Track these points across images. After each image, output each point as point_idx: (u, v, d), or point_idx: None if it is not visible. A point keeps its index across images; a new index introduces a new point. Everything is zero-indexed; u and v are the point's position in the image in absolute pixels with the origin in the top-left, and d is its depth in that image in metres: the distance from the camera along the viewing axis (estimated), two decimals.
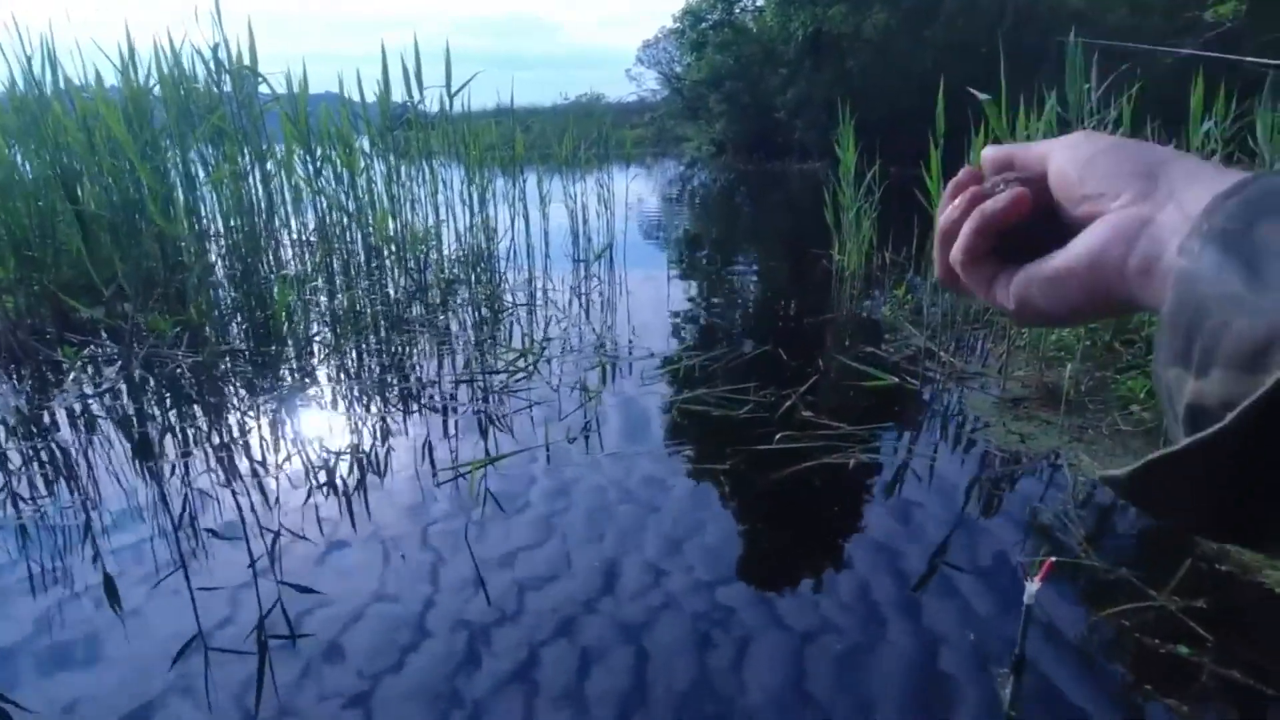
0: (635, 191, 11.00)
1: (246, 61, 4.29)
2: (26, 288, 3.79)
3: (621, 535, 2.10)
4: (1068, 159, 0.30)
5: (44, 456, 2.69)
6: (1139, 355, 3.07)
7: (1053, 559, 1.39)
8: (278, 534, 2.14)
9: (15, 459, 2.65)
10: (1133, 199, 0.27)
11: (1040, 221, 0.31)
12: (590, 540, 2.08)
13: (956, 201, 0.33)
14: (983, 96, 2.87)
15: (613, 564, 1.97)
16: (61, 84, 4.34)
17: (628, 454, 2.59)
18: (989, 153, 0.35)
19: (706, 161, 20.02)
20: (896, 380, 3.20)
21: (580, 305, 4.69)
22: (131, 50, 4.38)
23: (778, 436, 2.63)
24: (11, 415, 2.98)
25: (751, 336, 3.91)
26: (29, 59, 4.26)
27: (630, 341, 3.88)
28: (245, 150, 4.27)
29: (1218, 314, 0.21)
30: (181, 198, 3.98)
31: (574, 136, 5.81)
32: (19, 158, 4.19)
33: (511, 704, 1.52)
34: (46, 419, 2.97)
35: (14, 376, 3.37)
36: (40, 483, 2.51)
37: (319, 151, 4.49)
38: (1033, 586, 1.38)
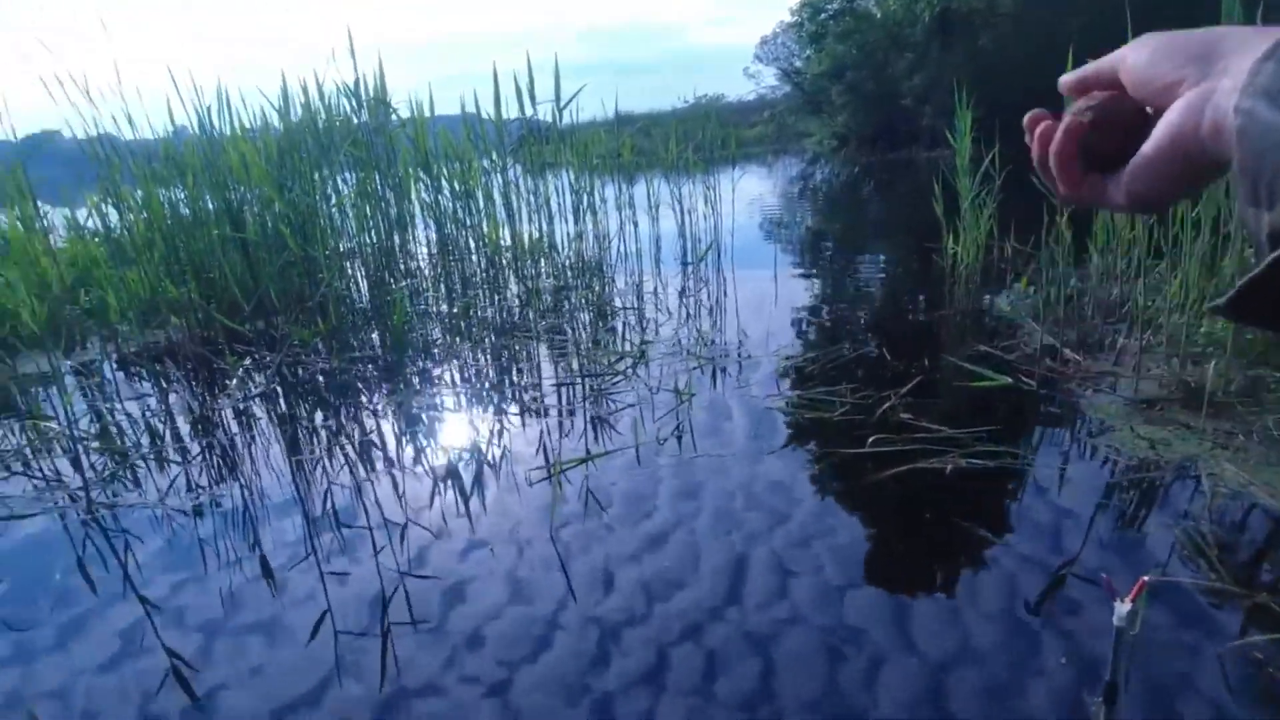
0: (752, 191, 10.89)
1: (377, 93, 4.73)
2: (204, 305, 4.39)
3: (707, 533, 2.13)
4: (1135, 62, 0.34)
5: (213, 450, 3.12)
6: None
7: (1145, 577, 1.25)
8: (404, 526, 2.34)
9: (193, 450, 3.10)
10: (1196, 79, 0.31)
11: (1132, 125, 0.35)
12: (673, 537, 2.13)
13: (1038, 135, 0.38)
14: None
15: (698, 559, 2.00)
16: (237, 128, 4.99)
17: (716, 455, 2.61)
18: (1066, 79, 0.39)
19: (828, 156, 19.41)
20: (1010, 380, 2.99)
21: (686, 308, 4.74)
22: (286, 93, 4.96)
23: (871, 440, 2.54)
24: (188, 415, 3.48)
25: (855, 336, 3.78)
26: (208, 108, 4.93)
27: (732, 342, 3.88)
28: (377, 174, 4.71)
29: (1275, 158, 0.26)
30: (323, 221, 4.45)
31: (679, 140, 5.87)
32: (207, 196, 4.84)
33: (627, 690, 1.59)
34: (215, 418, 3.44)
35: (192, 381, 3.93)
36: (209, 473, 2.91)
37: (439, 171, 4.85)
38: (1123, 607, 1.26)
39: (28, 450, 3.14)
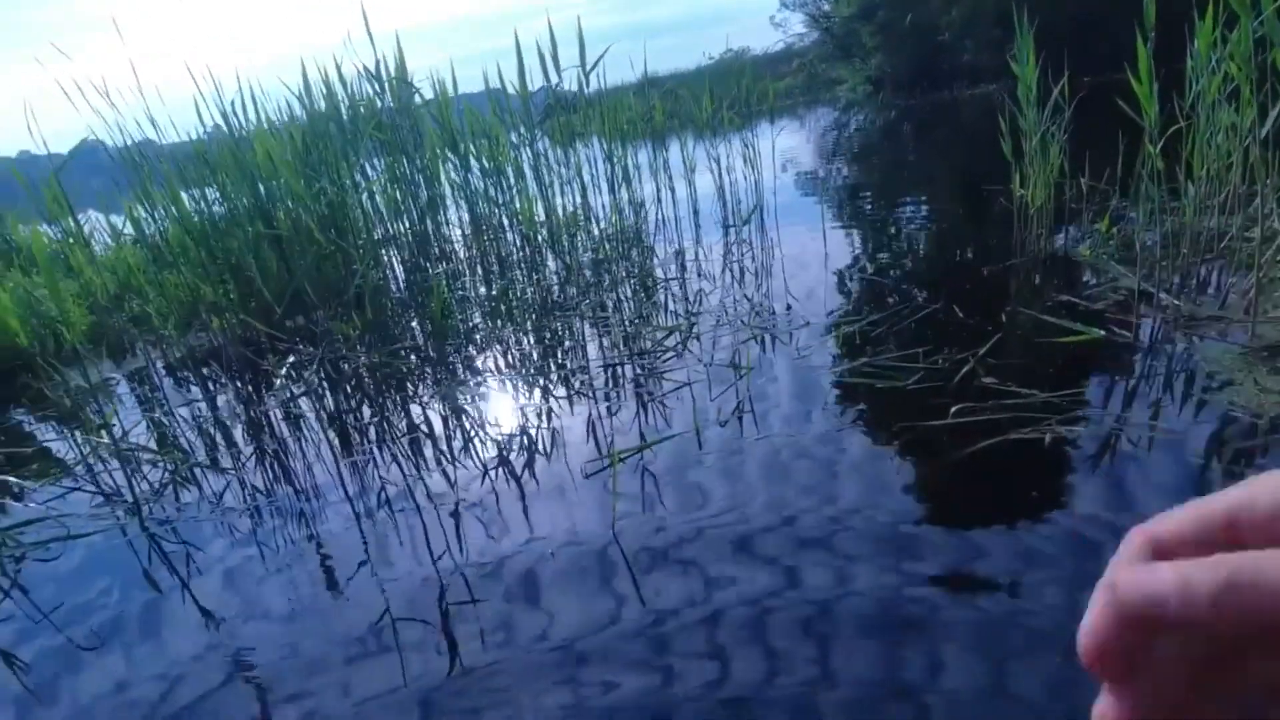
0: (786, 146, 10.48)
1: (398, 73, 4.57)
2: (244, 306, 4.35)
3: (783, 524, 1.96)
4: None
5: (265, 450, 3.06)
6: None
7: None
8: (456, 513, 2.25)
9: (245, 454, 3.05)
10: None
11: None
12: (753, 528, 1.97)
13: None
14: None
15: (780, 551, 1.84)
16: (263, 121, 4.89)
17: (783, 436, 2.43)
18: (1170, 528, 0.21)
19: (863, 102, 18.64)
20: (1103, 333, 2.71)
21: (732, 274, 4.51)
22: (306, 83, 4.83)
23: (954, 409, 2.32)
24: (235, 418, 3.44)
25: (918, 293, 3.52)
26: (230, 104, 4.84)
27: (786, 309, 3.66)
28: (404, 157, 4.57)
29: None
30: (353, 210, 4.34)
31: (713, 97, 5.57)
32: (229, 193, 4.77)
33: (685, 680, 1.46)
34: (262, 420, 3.39)
35: (238, 383, 3.89)
36: (263, 473, 2.86)
37: (466, 149, 4.69)
38: None
39: (82, 465, 3.14)
